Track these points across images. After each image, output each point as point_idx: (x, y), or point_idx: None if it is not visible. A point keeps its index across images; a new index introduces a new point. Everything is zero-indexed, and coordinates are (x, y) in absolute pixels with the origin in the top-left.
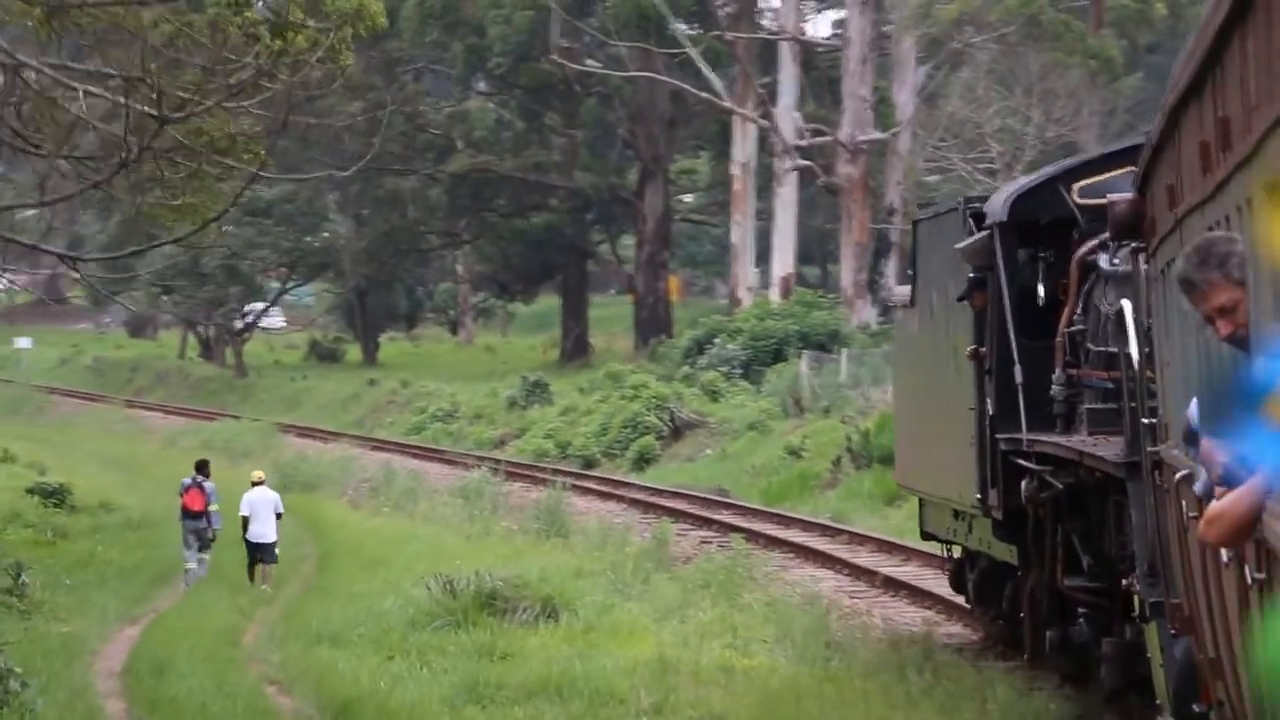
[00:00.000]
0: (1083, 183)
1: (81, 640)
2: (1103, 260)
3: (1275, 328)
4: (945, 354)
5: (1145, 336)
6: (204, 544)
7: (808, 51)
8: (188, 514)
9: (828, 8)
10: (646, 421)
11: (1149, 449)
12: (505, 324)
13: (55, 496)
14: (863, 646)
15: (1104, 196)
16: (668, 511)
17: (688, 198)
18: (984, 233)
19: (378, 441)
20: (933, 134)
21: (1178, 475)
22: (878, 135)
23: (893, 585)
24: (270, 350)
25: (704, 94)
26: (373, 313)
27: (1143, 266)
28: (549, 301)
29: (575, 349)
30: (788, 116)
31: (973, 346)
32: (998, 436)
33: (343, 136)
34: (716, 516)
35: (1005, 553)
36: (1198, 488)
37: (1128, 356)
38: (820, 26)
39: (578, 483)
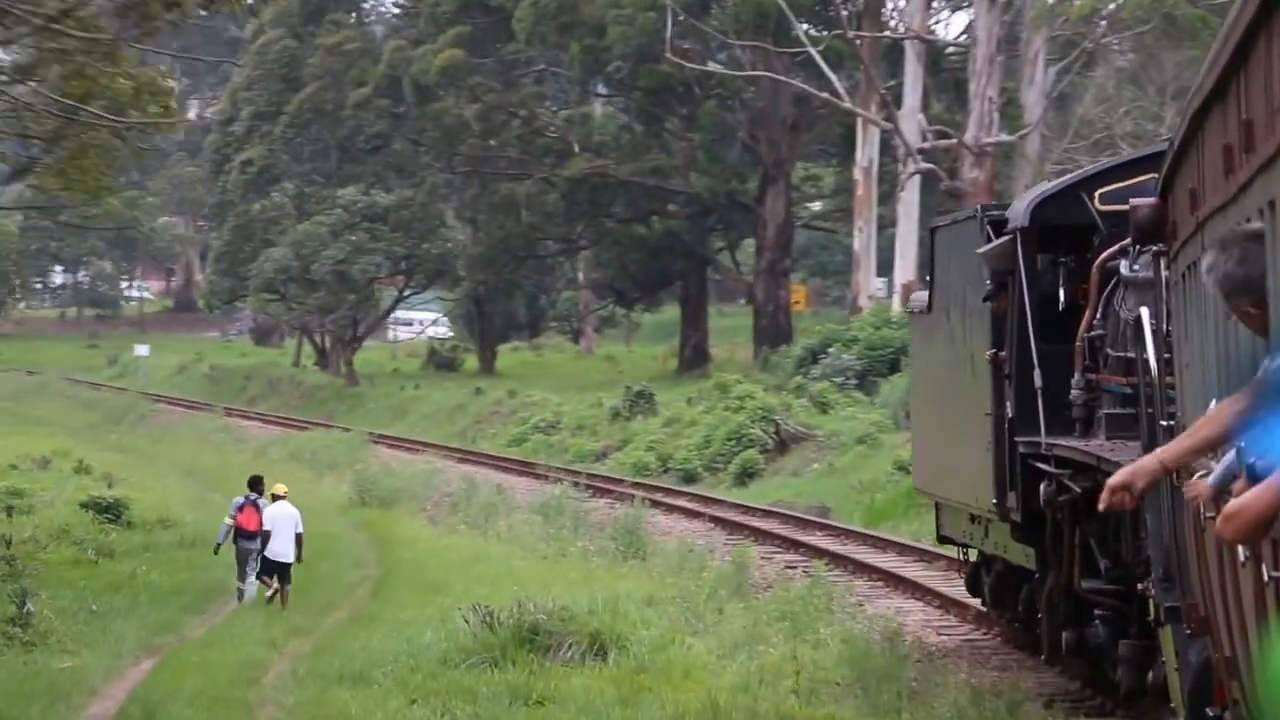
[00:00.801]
0: (1105, 189)
1: (83, 677)
2: (1123, 266)
3: None
4: (963, 360)
5: (1164, 342)
6: (256, 565)
7: (933, 52)
8: (243, 534)
9: (956, 8)
10: (751, 434)
11: None
12: (631, 333)
13: (111, 511)
14: (941, 697)
15: (1126, 203)
16: (756, 533)
17: (815, 205)
18: (1006, 238)
19: (467, 453)
20: (1062, 136)
21: (1194, 478)
22: (1004, 138)
23: (985, 621)
24: (394, 358)
25: (823, 94)
26: (491, 321)
27: (1164, 271)
28: (675, 310)
29: (694, 358)
30: (911, 119)
31: (992, 351)
32: (1017, 440)
33: (458, 139)
34: (808, 539)
35: (1022, 556)
36: (1211, 480)
37: (1145, 362)
38: (948, 28)
39: (666, 499)
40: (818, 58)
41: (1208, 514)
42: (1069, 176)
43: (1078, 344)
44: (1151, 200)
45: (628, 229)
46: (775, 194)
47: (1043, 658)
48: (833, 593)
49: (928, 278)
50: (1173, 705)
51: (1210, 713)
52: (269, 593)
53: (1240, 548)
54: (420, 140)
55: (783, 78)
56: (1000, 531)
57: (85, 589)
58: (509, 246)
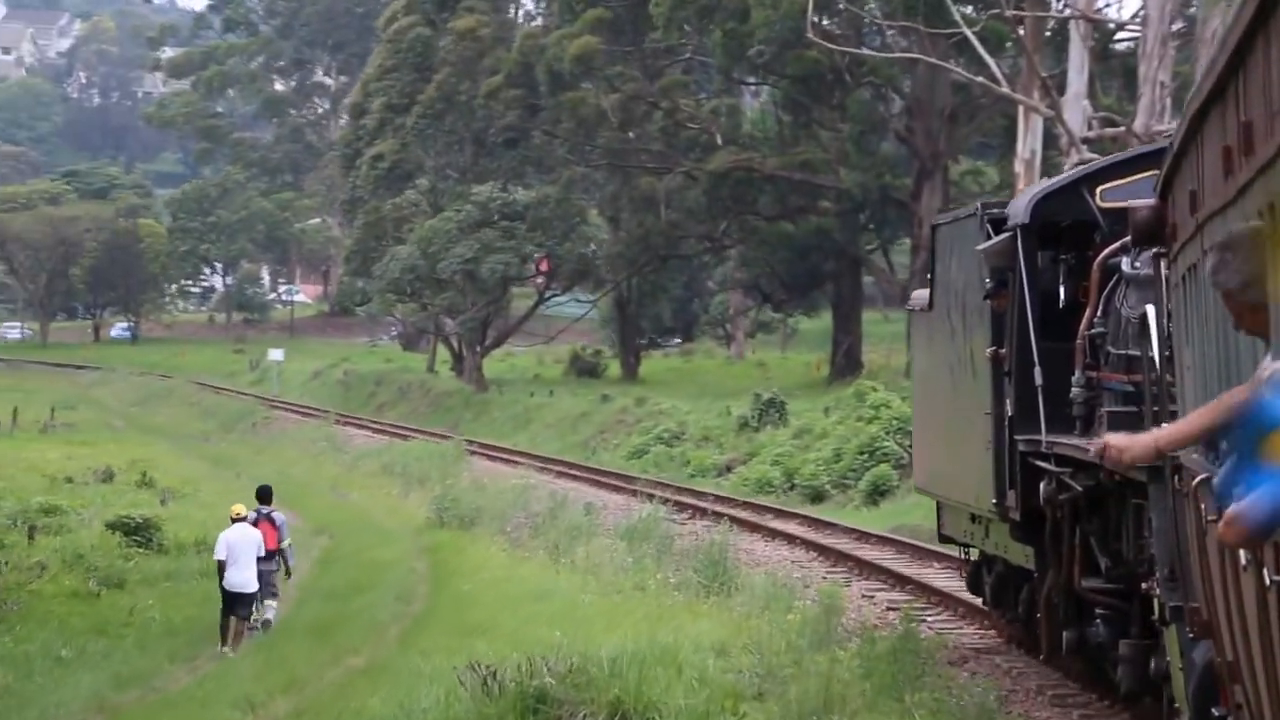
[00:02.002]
0: (1106, 186)
1: None
2: (1124, 263)
3: None
4: (963, 358)
5: (1166, 340)
6: (273, 590)
7: (1101, 35)
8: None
9: None
10: (884, 447)
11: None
12: (788, 339)
13: (140, 533)
14: None
15: (1127, 200)
16: (863, 565)
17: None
18: (1006, 234)
19: (570, 466)
20: None
21: (1196, 479)
22: (1176, 126)
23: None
24: (539, 363)
25: (979, 79)
26: (635, 324)
27: (1164, 271)
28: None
29: (845, 365)
30: (1076, 106)
31: (992, 348)
32: (1017, 438)
33: (595, 131)
34: (921, 573)
35: (1022, 555)
36: (1215, 483)
37: (1150, 360)
38: (1120, 10)
39: (769, 523)
40: (974, 39)
41: (1209, 517)
42: (1070, 173)
43: (1079, 341)
44: (1151, 201)
45: (775, 226)
46: (932, 189)
47: (1041, 657)
48: (931, 648)
49: (929, 275)
50: (1177, 705)
51: (1216, 713)
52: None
53: (1242, 551)
54: (555, 132)
55: (939, 62)
56: (1000, 531)
57: (67, 629)
58: (650, 245)
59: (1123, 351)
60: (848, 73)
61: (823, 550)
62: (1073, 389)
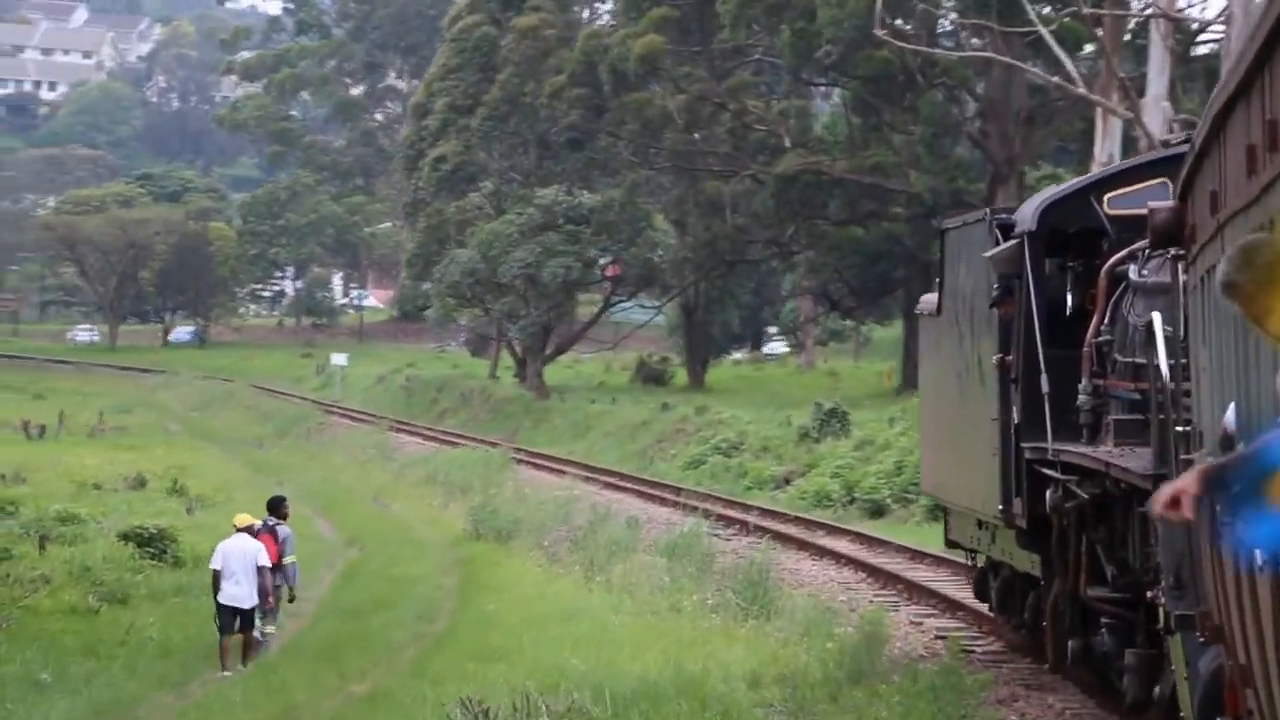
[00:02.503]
0: (1114, 193)
1: None
2: (1132, 271)
3: None
4: (970, 364)
5: (1178, 347)
6: (272, 609)
7: (1183, 35)
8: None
9: None
10: None
11: (1183, 456)
12: (861, 347)
13: (154, 545)
14: None
15: (1135, 207)
16: (913, 587)
17: None
18: (1013, 241)
19: (620, 478)
20: None
21: None
22: None
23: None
24: (607, 370)
25: (1054, 79)
26: (703, 331)
27: (1182, 275)
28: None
29: (915, 374)
30: (1155, 108)
31: (998, 355)
32: (1023, 445)
33: (660, 133)
34: (972, 597)
35: (1028, 562)
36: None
37: (1157, 368)
38: (1203, 9)
39: (822, 540)
40: (1050, 39)
41: (1224, 520)
42: (1077, 180)
43: (1085, 349)
44: (1170, 203)
45: (844, 231)
46: (1006, 195)
47: (1046, 666)
48: (978, 685)
49: (938, 280)
50: (1182, 715)
51: None
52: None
53: (1258, 552)
54: (619, 134)
55: (1015, 62)
56: (1006, 537)
57: (55, 648)
58: (716, 250)
59: (1130, 359)
60: (920, 73)
61: (873, 571)
62: (1079, 397)
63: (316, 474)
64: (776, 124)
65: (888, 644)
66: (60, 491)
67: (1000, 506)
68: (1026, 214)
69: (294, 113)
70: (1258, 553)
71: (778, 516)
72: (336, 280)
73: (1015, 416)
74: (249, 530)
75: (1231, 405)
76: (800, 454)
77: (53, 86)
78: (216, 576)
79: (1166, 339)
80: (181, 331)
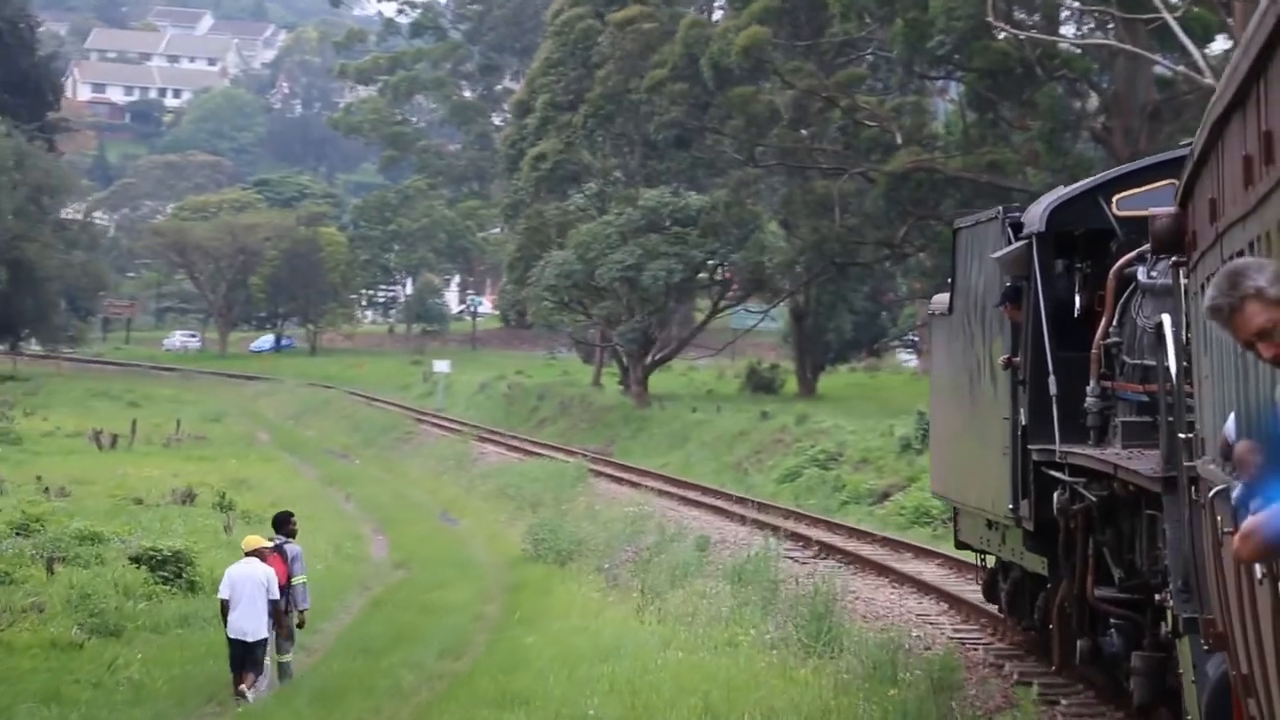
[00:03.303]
0: (1122, 194)
1: None
2: (1141, 273)
3: None
4: (981, 363)
5: (1184, 350)
6: (288, 633)
7: None
8: None
9: None
10: None
11: (1185, 464)
12: None
13: (168, 568)
14: None
15: (1144, 209)
16: (998, 621)
17: None
18: (1021, 242)
19: (697, 491)
20: None
21: (1212, 490)
22: None
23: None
24: (719, 377)
25: (1180, 67)
26: (814, 337)
27: (1183, 281)
28: None
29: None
30: None
31: (1006, 356)
32: (1030, 447)
33: (765, 129)
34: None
35: (1036, 563)
36: (1233, 498)
37: (1166, 370)
38: None
39: (908, 564)
40: (1175, 27)
41: (1225, 529)
42: (1086, 181)
43: (1094, 351)
44: (1170, 210)
45: None
46: None
47: (1053, 667)
48: None
49: (950, 279)
50: (1188, 717)
51: None
52: (247, 693)
53: (1258, 565)
54: (722, 130)
55: (1141, 52)
56: (1016, 538)
57: (13, 693)
58: (824, 252)
59: (1138, 361)
60: (1039, 65)
61: (957, 602)
62: (1087, 399)
63: (389, 487)
64: (889, 120)
65: (959, 692)
66: (97, 508)
67: (1009, 507)
68: (1034, 215)
69: (410, 116)
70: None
71: (864, 537)
72: (454, 286)
73: (1023, 418)
74: (258, 554)
75: (1231, 415)
76: (901, 466)
77: (177, 94)
78: (225, 606)
79: (1176, 341)
80: (264, 340)
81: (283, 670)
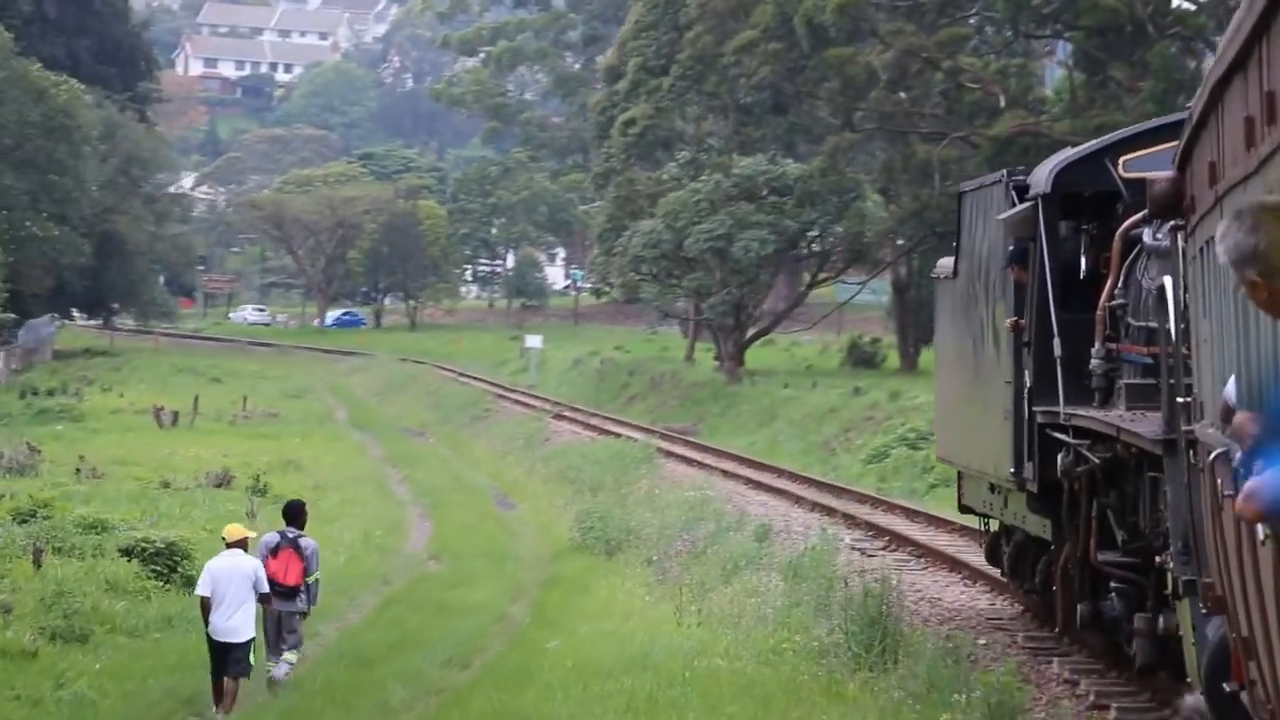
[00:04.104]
0: (1129, 156)
1: None
2: (1146, 235)
3: None
4: (985, 326)
5: (1183, 314)
6: (294, 637)
7: None
8: (276, 591)
9: None
10: None
11: (1184, 428)
12: None
13: (161, 561)
14: None
15: (1150, 170)
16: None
17: None
18: (1027, 204)
19: (771, 474)
20: None
21: (1212, 453)
22: None
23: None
24: (822, 352)
25: None
26: (916, 310)
27: (1181, 244)
28: None
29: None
30: None
31: (1012, 318)
32: (1035, 409)
33: (863, 92)
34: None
35: (1039, 526)
36: (1234, 461)
37: (1168, 333)
38: None
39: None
40: None
41: (1226, 492)
42: (1093, 142)
43: (1099, 313)
44: (1169, 173)
45: None
46: None
47: (1056, 630)
48: None
49: (955, 243)
50: (1189, 680)
51: (1227, 688)
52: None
53: (1260, 526)
54: (817, 93)
55: None
56: (1019, 501)
57: None
58: (925, 220)
59: (1143, 323)
60: (1150, 23)
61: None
62: (1092, 361)
63: (451, 468)
64: (993, 83)
65: (1022, 717)
66: (119, 492)
67: (1011, 469)
68: (1041, 176)
69: (513, 88)
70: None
71: (941, 525)
72: (559, 261)
73: (1027, 380)
74: (241, 545)
75: (1232, 378)
76: None
77: (288, 68)
78: (205, 605)
79: (1176, 304)
80: (333, 316)
81: (273, 683)
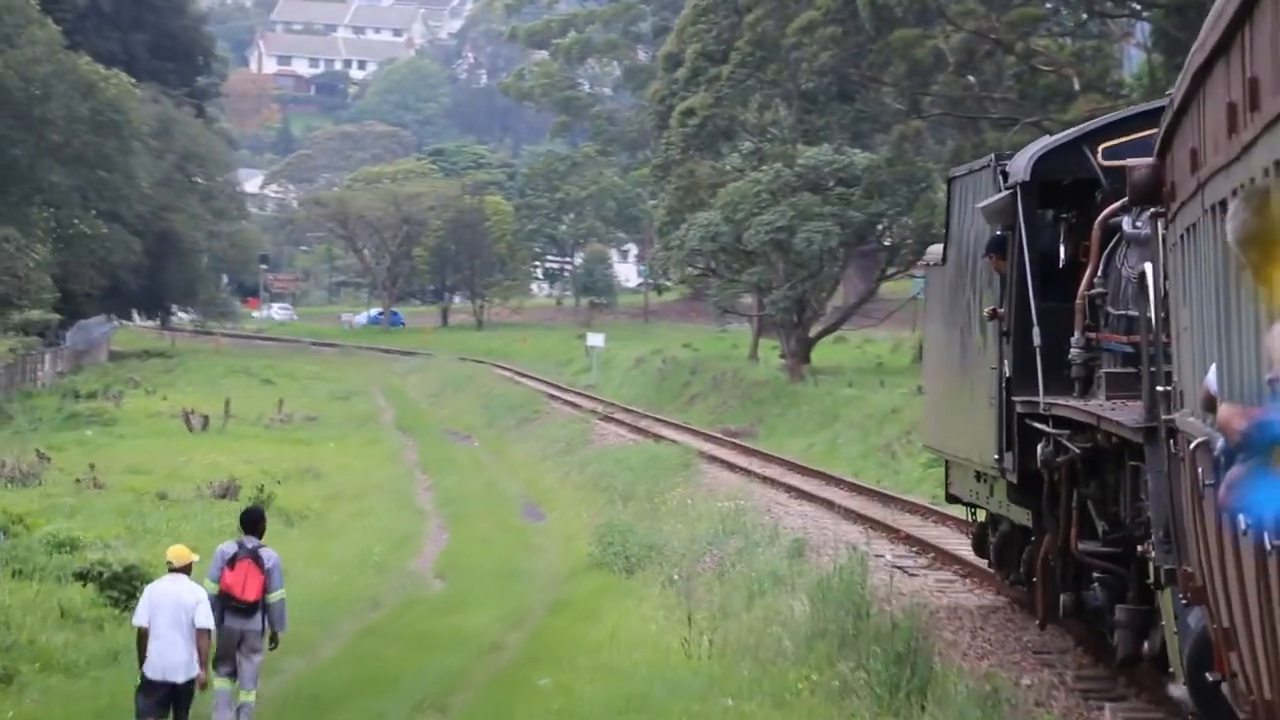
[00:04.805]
0: (1108, 143)
1: None
2: (1126, 222)
3: None
4: (972, 313)
5: (1163, 302)
6: (257, 657)
7: None
8: (233, 606)
9: None
10: None
11: (1164, 416)
12: None
13: (119, 586)
14: None
15: (1129, 158)
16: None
17: None
18: (1006, 192)
19: (819, 481)
20: None
21: (1193, 443)
22: None
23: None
24: (895, 349)
25: None
26: None
27: (1161, 231)
28: None
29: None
30: None
31: (991, 307)
32: (1014, 399)
33: (929, 77)
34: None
35: (1021, 516)
36: (1217, 450)
37: (1148, 321)
38: None
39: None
40: None
41: (1207, 481)
42: (1071, 130)
43: (1078, 302)
44: (1149, 160)
45: None
46: None
47: (1038, 621)
48: None
49: (944, 230)
50: (1171, 670)
51: (1209, 678)
52: None
53: (1242, 516)
54: (881, 78)
55: None
56: (1004, 489)
57: None
58: None
59: (1122, 312)
60: None
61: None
62: (1071, 350)
63: (485, 474)
64: (1068, 66)
65: None
66: (110, 504)
67: (994, 458)
68: (1019, 165)
69: (584, 81)
70: (1266, 535)
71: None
72: (631, 256)
73: (1007, 370)
74: (185, 570)
75: (1213, 366)
76: None
77: (362, 65)
78: (142, 636)
79: (1157, 292)
80: (363, 315)
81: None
